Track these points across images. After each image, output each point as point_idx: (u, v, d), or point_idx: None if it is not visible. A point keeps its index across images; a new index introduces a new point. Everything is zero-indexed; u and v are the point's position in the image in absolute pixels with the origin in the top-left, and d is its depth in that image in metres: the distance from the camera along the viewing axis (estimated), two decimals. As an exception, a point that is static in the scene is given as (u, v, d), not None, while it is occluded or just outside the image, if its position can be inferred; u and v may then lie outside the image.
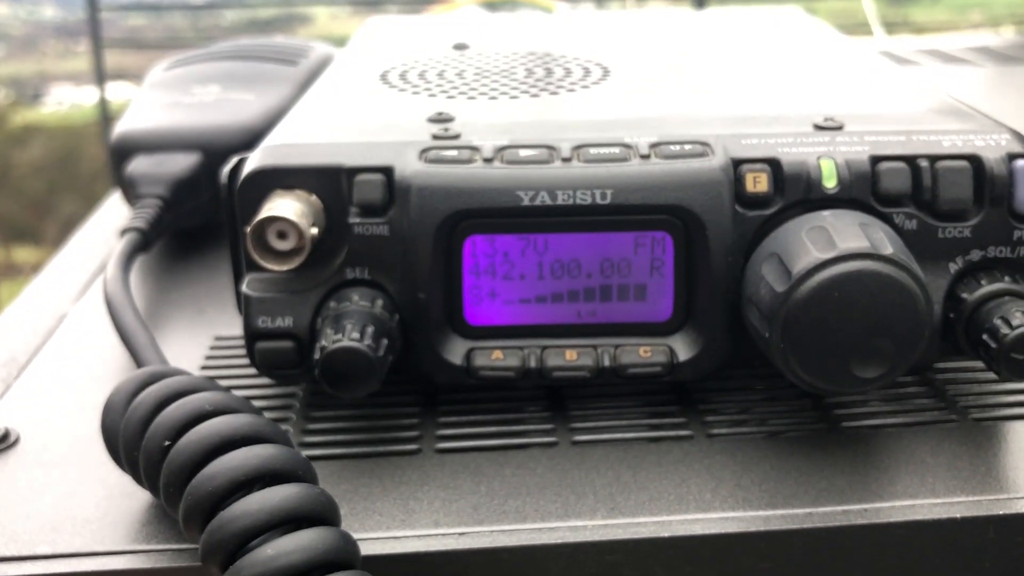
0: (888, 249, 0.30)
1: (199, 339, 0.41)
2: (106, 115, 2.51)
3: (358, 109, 0.39)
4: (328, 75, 0.45)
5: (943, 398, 0.35)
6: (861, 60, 0.45)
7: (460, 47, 0.49)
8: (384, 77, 0.43)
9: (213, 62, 0.55)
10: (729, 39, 0.50)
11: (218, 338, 0.41)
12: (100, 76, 2.47)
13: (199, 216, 0.48)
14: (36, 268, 0.55)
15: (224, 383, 0.36)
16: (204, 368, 0.38)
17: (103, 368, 0.38)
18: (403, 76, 0.43)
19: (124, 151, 0.48)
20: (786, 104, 0.38)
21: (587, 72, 0.43)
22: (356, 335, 0.31)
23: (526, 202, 0.32)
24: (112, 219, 0.54)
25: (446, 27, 0.55)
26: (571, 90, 0.41)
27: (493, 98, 0.40)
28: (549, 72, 0.43)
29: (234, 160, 0.35)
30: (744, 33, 0.52)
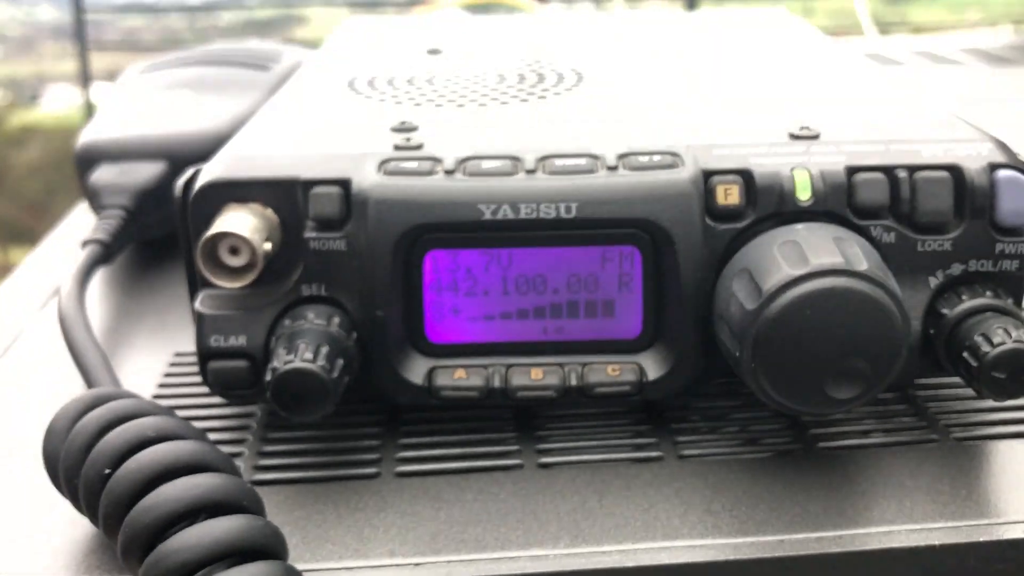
0: (863, 265, 0.29)
1: (159, 355, 0.39)
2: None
3: (320, 118, 0.38)
4: (294, 81, 0.44)
5: (924, 416, 0.34)
6: (842, 65, 0.44)
7: (433, 52, 0.47)
8: (352, 83, 0.42)
9: (182, 68, 0.54)
10: (708, 43, 0.49)
11: (178, 354, 0.39)
12: (85, 78, 2.46)
13: (165, 226, 0.47)
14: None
15: (181, 401, 0.35)
16: (162, 385, 0.37)
17: (55, 388, 0.37)
18: (371, 82, 0.42)
19: (89, 160, 0.47)
20: (762, 112, 0.37)
21: (560, 78, 0.42)
22: (309, 355, 0.30)
23: (488, 216, 0.31)
24: (80, 228, 0.53)
25: (422, 30, 0.54)
26: (542, 97, 0.39)
27: (461, 105, 0.39)
28: (521, 78, 0.42)
29: (189, 172, 0.34)
30: (725, 37, 0.50)
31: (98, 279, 0.46)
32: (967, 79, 0.72)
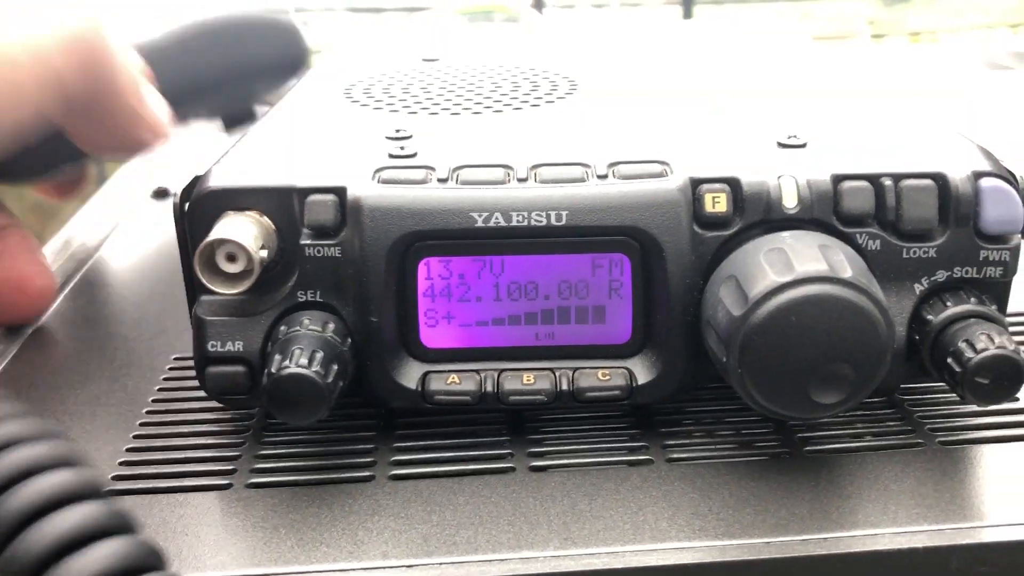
0: (847, 272, 0.30)
1: (158, 359, 0.40)
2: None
3: (317, 126, 0.38)
4: (293, 91, 0.45)
5: (909, 420, 0.35)
6: (832, 73, 0.44)
7: (430, 60, 0.48)
8: (348, 92, 0.43)
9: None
10: (701, 52, 0.50)
11: (177, 358, 0.40)
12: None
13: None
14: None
15: (179, 405, 0.36)
16: (160, 389, 0.38)
17: None
18: (367, 91, 0.42)
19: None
20: (750, 121, 0.37)
21: (554, 86, 0.43)
22: (304, 361, 0.30)
23: (480, 223, 0.32)
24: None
25: (419, 39, 0.54)
26: (535, 105, 0.40)
27: (456, 114, 0.39)
28: (516, 86, 0.43)
29: (186, 180, 0.35)
30: (718, 45, 0.51)
31: (98, 284, 0.46)
32: (964, 83, 0.72)
